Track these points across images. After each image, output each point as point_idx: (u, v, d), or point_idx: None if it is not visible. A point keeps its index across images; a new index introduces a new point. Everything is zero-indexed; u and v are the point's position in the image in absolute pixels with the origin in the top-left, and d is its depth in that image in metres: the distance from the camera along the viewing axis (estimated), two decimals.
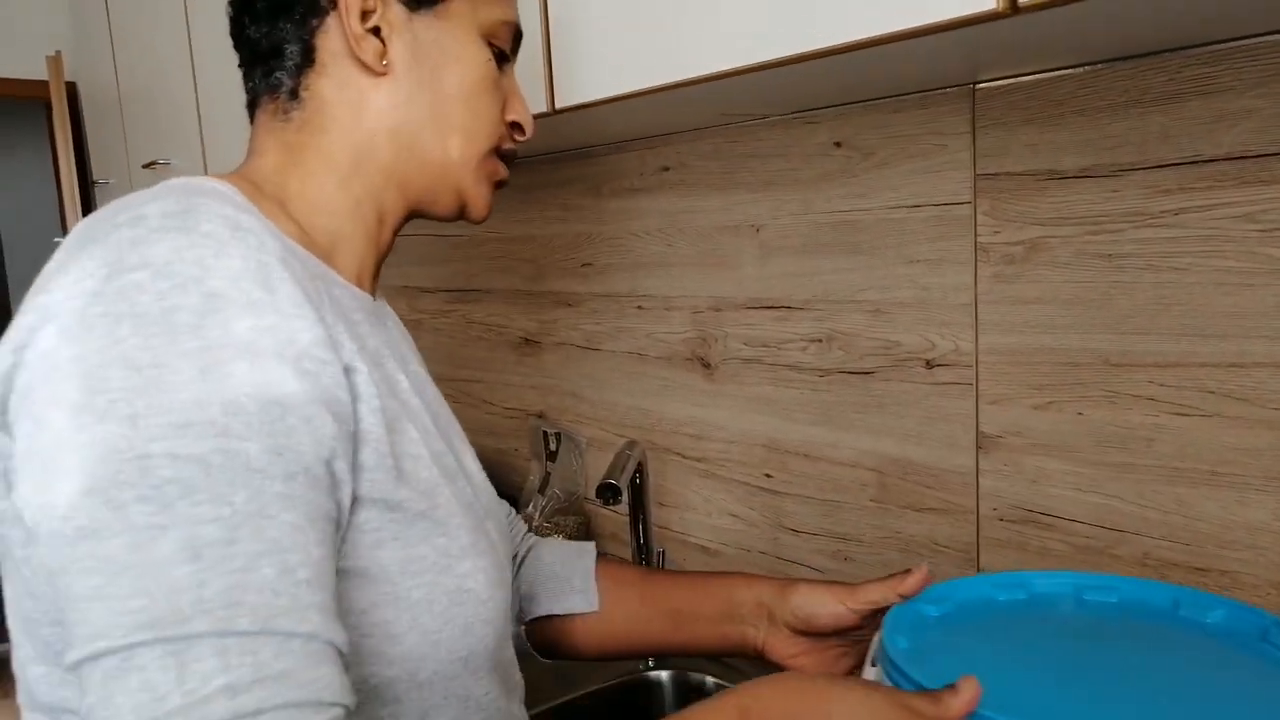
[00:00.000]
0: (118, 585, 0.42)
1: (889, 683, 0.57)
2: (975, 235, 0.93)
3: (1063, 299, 0.87)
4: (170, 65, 1.99)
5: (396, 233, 0.69)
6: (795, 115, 1.09)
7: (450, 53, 0.64)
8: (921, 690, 0.53)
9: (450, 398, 0.74)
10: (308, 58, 0.63)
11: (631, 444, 1.17)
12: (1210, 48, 0.76)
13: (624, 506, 1.21)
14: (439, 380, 0.75)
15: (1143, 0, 0.61)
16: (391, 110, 0.63)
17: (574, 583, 0.80)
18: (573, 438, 1.50)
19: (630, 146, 1.32)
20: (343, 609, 0.51)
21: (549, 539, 0.86)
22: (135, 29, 2.22)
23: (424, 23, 0.63)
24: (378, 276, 0.69)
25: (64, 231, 2.99)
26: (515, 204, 1.56)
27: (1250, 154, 0.75)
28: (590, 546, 0.83)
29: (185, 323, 0.45)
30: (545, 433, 1.55)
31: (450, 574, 0.57)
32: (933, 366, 0.99)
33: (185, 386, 0.44)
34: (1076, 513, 0.89)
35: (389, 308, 0.74)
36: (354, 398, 0.53)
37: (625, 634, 0.80)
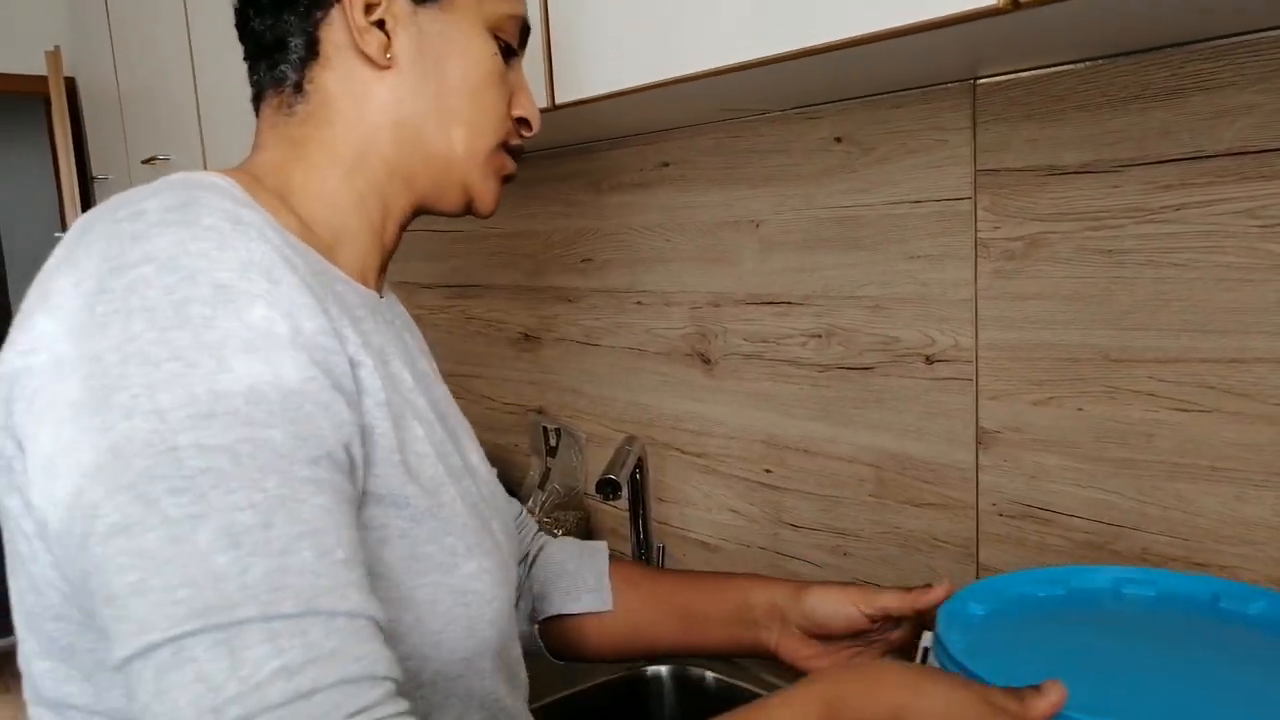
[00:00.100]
0: (159, 578, 0.42)
1: None
2: (976, 231, 0.93)
3: (1063, 294, 0.87)
4: (170, 61, 1.99)
5: (403, 229, 0.68)
6: (796, 110, 1.09)
7: (455, 46, 0.64)
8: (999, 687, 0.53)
9: (450, 393, 0.74)
10: (312, 50, 0.62)
11: (631, 439, 1.17)
12: (1212, 43, 0.76)
13: (624, 502, 1.21)
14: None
15: None
16: (395, 104, 0.63)
17: (587, 581, 0.80)
18: (572, 433, 1.50)
19: (630, 142, 1.32)
20: None
21: (560, 539, 0.86)
22: (134, 24, 2.22)
23: (429, 16, 0.63)
24: (384, 274, 0.68)
25: (63, 228, 2.99)
26: (515, 199, 1.56)
27: (1251, 149, 0.75)
28: (602, 546, 0.83)
29: (198, 314, 0.45)
30: (545, 428, 1.55)
31: (455, 574, 0.57)
32: (932, 362, 0.99)
33: (206, 378, 0.44)
34: (1076, 508, 0.89)
35: (399, 305, 0.74)
36: (359, 391, 0.53)
37: (637, 634, 0.79)
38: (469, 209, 0.69)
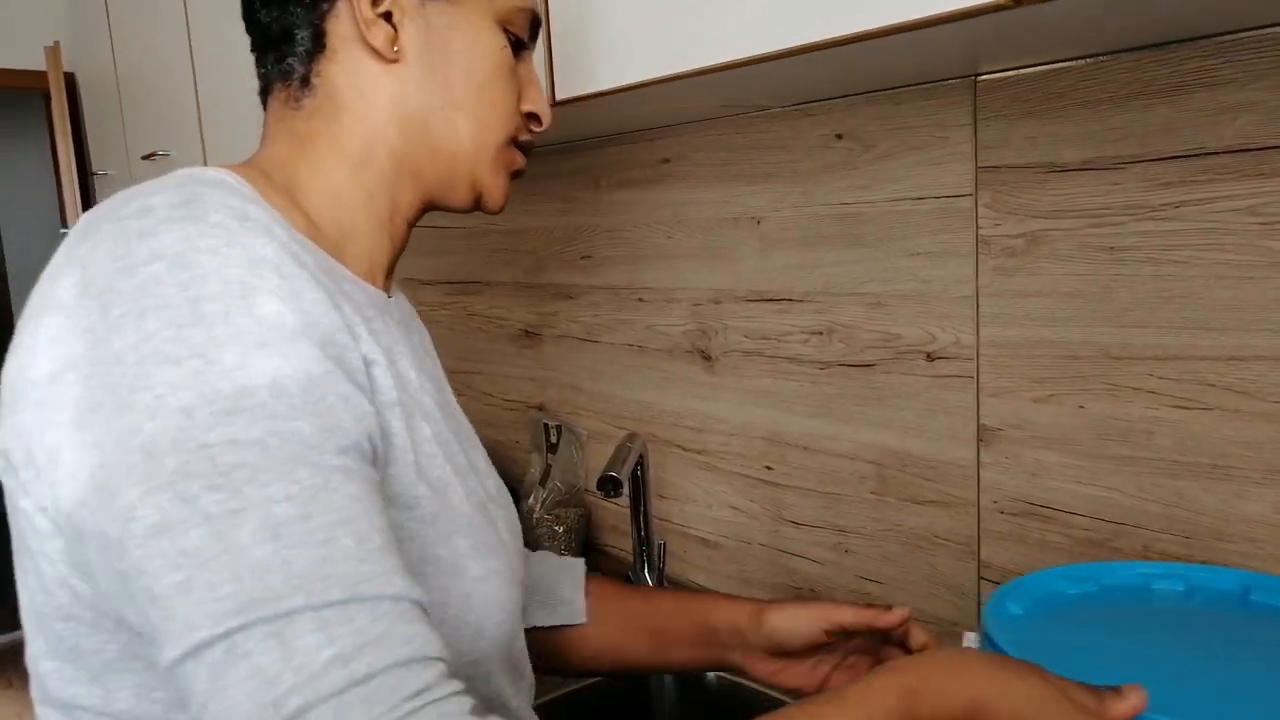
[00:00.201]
0: (204, 575, 0.42)
1: None
2: (976, 228, 0.93)
3: (1063, 292, 0.87)
4: (170, 56, 1.99)
5: (412, 226, 0.67)
6: (797, 107, 1.09)
7: (463, 39, 0.63)
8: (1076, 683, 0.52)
9: (453, 392, 0.74)
10: (318, 43, 0.61)
11: (632, 436, 1.17)
12: (1213, 39, 0.76)
13: (624, 499, 1.21)
14: None
15: None
16: (402, 97, 0.62)
17: (563, 595, 0.80)
18: (573, 430, 1.51)
19: (631, 138, 1.32)
20: None
21: (538, 551, 0.86)
22: (134, 19, 2.21)
23: (437, 8, 0.62)
24: (392, 273, 0.67)
25: (63, 223, 2.98)
26: (516, 196, 1.55)
27: (1252, 147, 0.75)
28: (579, 561, 0.84)
29: (213, 311, 0.45)
30: (545, 425, 1.55)
31: (464, 577, 0.57)
32: (933, 359, 0.99)
33: (227, 374, 0.44)
34: (1077, 505, 0.89)
35: (407, 304, 0.73)
36: (373, 389, 0.53)
37: (610, 649, 0.80)
38: (478, 205, 0.68)
